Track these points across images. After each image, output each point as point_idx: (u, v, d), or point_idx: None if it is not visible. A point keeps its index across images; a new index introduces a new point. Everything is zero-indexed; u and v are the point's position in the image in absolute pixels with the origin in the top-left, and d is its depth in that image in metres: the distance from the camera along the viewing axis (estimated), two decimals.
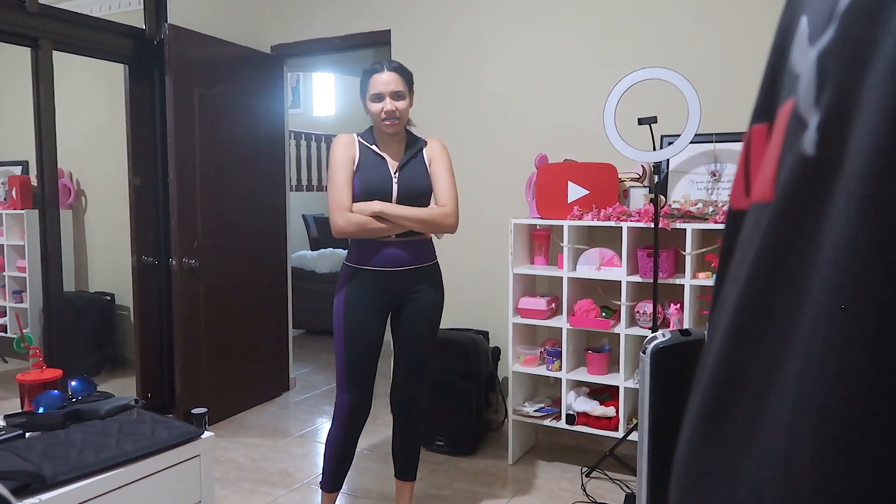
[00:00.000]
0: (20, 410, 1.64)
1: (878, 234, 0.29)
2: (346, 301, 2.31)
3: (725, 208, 2.75)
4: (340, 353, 2.33)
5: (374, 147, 2.33)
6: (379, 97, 2.26)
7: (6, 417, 1.59)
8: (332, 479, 2.46)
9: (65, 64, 3.42)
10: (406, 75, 2.33)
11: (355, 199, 2.27)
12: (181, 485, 1.52)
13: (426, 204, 2.36)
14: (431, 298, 2.39)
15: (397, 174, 2.31)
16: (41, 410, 1.59)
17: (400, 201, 2.28)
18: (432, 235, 2.42)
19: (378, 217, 2.24)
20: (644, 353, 2.07)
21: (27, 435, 1.51)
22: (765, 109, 0.43)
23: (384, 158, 2.32)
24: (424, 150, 2.38)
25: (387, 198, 2.27)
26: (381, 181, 2.28)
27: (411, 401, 2.47)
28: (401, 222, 2.26)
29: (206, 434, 1.58)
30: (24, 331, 1.80)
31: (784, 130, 0.36)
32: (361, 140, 2.35)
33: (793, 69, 0.38)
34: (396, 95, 2.27)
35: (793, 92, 0.36)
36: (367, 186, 2.27)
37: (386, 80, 2.27)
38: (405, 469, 2.56)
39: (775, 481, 0.33)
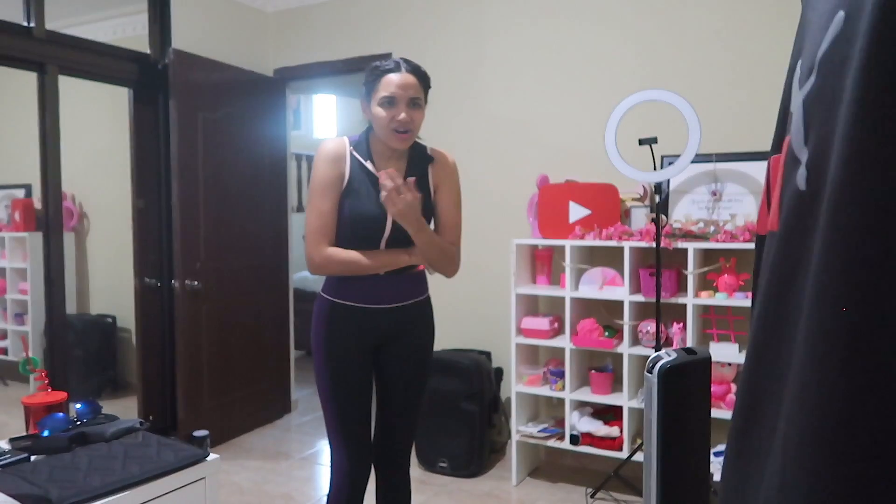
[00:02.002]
0: (25, 434, 1.64)
1: (840, 263, 0.32)
2: (326, 344, 1.93)
3: (727, 227, 2.77)
4: (329, 405, 1.95)
5: (368, 164, 1.90)
6: (391, 102, 1.83)
7: (11, 441, 1.59)
8: None
9: (67, 87, 3.45)
10: (425, 81, 1.91)
11: (339, 228, 1.89)
12: None
13: None
14: (422, 338, 2.03)
15: None
16: (46, 433, 1.58)
17: (392, 235, 1.89)
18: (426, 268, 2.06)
19: (363, 255, 1.86)
20: (650, 372, 2.07)
21: (32, 458, 1.51)
22: (778, 142, 0.46)
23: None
24: (430, 171, 1.98)
25: (378, 229, 1.89)
26: (373, 209, 1.87)
27: (398, 454, 2.08)
28: (423, 238, 1.87)
29: (212, 456, 1.57)
30: (29, 353, 1.79)
31: (784, 165, 0.39)
32: (354, 152, 1.91)
33: (791, 109, 0.41)
34: (413, 103, 1.85)
35: (789, 130, 0.40)
36: (357, 215, 1.87)
37: (403, 83, 1.83)
38: None
39: (776, 491, 0.36)
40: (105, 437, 1.60)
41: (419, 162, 1.96)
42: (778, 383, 0.37)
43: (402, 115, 1.82)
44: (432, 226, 2.01)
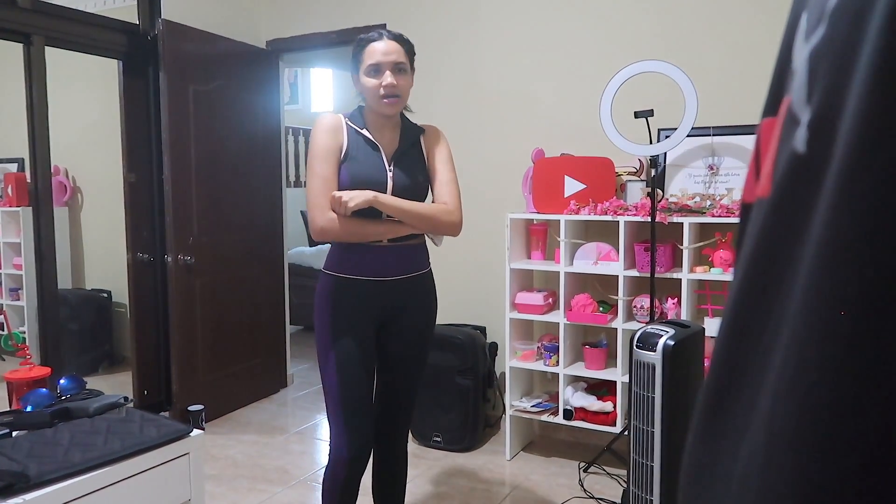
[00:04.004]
0: (8, 409, 1.63)
1: (852, 234, 0.30)
2: (332, 321, 1.93)
3: (724, 202, 2.73)
4: (332, 386, 1.93)
5: (365, 132, 1.96)
6: (377, 69, 1.90)
7: None
8: None
9: (60, 59, 3.40)
10: (408, 46, 1.98)
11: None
12: (170, 483, 1.51)
13: (423, 202, 2.03)
14: (424, 312, 2.05)
15: (392, 166, 1.96)
16: (29, 409, 1.57)
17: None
18: (428, 241, 2.09)
19: (367, 220, 1.89)
20: (653, 350, 2.05)
21: (14, 434, 1.50)
22: (773, 104, 0.44)
23: (378, 147, 1.96)
24: (422, 140, 2.06)
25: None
26: (373, 174, 1.92)
27: (398, 428, 2.11)
28: (401, 216, 1.90)
29: (196, 432, 1.56)
30: (12, 329, 1.78)
31: (781, 126, 0.37)
32: (350, 123, 1.98)
33: (792, 65, 0.38)
34: (398, 69, 1.92)
35: (790, 88, 0.37)
36: (357, 180, 1.90)
37: (386, 50, 1.91)
38: None
39: (758, 470, 0.33)
40: (88, 412, 1.59)
41: (411, 132, 2.05)
42: (761, 358, 0.35)
43: (389, 80, 1.89)
44: (430, 192, 2.07)
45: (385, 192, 1.92)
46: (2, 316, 3.66)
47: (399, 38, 1.96)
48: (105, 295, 4.54)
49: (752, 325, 0.37)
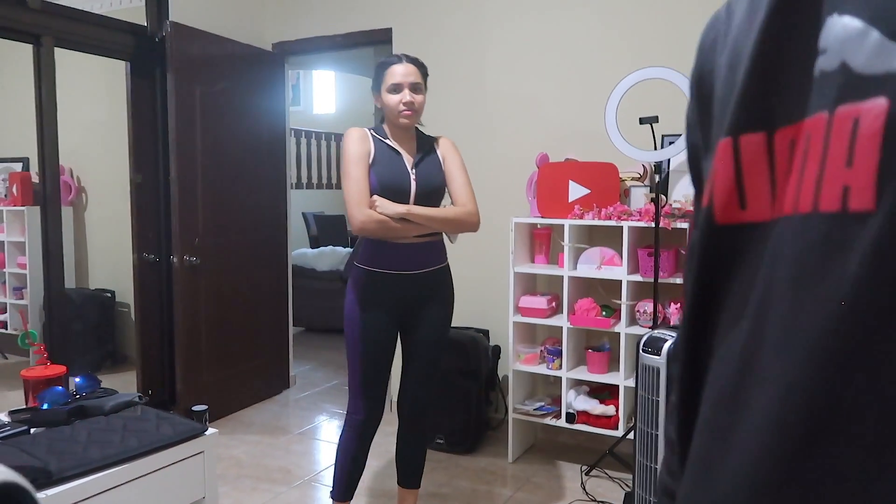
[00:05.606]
0: (25, 406, 1.65)
1: None
2: (360, 307, 2.22)
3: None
4: (356, 360, 2.25)
5: (388, 141, 2.26)
6: (397, 88, 2.21)
7: (11, 413, 1.59)
8: (345, 489, 2.37)
9: (66, 59, 3.42)
10: (423, 69, 2.28)
11: (372, 195, 2.19)
12: (185, 481, 1.53)
13: (440, 201, 2.30)
14: (444, 301, 2.33)
15: (414, 170, 2.24)
16: (45, 406, 1.59)
17: (418, 198, 2.21)
18: (445, 238, 2.36)
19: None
20: (657, 354, 2.08)
21: (32, 431, 1.52)
22: (757, 119, 0.43)
23: (400, 153, 2.25)
24: (436, 148, 2.34)
25: (405, 194, 2.20)
26: (398, 177, 2.20)
27: (421, 409, 2.39)
28: (429, 224, 2.18)
29: (210, 431, 1.58)
30: (28, 327, 1.80)
31: (880, 135, 0.34)
32: (375, 134, 2.27)
33: (854, 72, 0.36)
34: (414, 87, 2.23)
35: (874, 94, 0.34)
36: (385, 182, 2.18)
37: (404, 72, 2.21)
38: (410, 478, 2.49)
39: None
40: (104, 410, 1.61)
41: (426, 142, 2.34)
42: (889, 389, 0.33)
43: (407, 98, 2.20)
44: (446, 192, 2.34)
45: (409, 193, 2.20)
46: (18, 314, 3.67)
47: (415, 62, 2.27)
48: (108, 294, 4.55)
49: (873, 352, 0.34)
